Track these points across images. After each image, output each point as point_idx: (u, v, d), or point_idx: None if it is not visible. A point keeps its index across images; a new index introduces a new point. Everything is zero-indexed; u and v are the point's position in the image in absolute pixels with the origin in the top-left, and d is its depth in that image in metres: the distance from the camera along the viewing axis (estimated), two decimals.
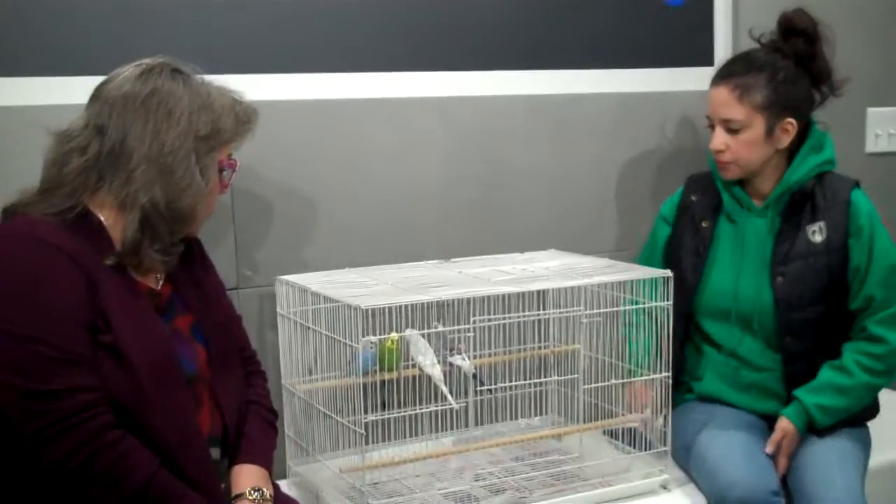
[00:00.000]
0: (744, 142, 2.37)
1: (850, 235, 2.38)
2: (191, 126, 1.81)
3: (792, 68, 2.40)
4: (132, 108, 1.80)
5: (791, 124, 2.38)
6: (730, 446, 2.31)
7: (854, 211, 2.38)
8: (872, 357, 2.37)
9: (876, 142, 3.25)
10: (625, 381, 2.34)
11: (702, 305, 2.46)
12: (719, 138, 2.40)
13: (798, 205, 2.41)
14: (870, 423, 2.48)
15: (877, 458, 2.42)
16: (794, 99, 2.39)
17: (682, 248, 2.49)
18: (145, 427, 1.75)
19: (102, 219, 1.81)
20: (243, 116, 1.92)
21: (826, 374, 2.37)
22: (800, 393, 2.36)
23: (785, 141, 2.40)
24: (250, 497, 1.88)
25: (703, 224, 2.47)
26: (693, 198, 2.50)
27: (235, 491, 1.90)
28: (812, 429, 2.36)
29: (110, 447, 1.70)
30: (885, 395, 2.50)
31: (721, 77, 2.42)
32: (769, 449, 2.30)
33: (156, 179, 1.79)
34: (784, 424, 2.33)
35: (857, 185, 2.43)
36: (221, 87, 1.90)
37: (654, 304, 2.29)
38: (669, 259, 2.51)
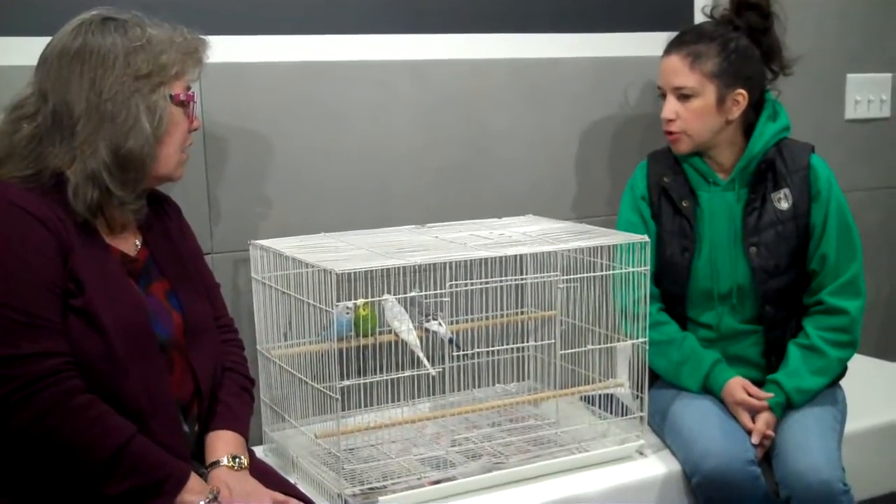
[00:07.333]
0: (694, 110, 2.38)
1: (811, 199, 2.40)
2: (128, 68, 1.78)
3: (744, 41, 2.41)
4: (66, 64, 1.78)
5: (742, 95, 2.39)
6: (705, 415, 2.31)
7: (814, 176, 2.41)
8: (837, 330, 2.38)
9: (855, 108, 3.25)
10: (601, 346, 2.33)
11: (689, 288, 2.44)
12: (669, 106, 2.40)
13: (762, 174, 2.41)
14: (847, 390, 2.48)
15: (853, 424, 2.43)
16: (745, 70, 2.40)
17: (664, 230, 2.46)
18: (116, 392, 1.74)
19: (71, 181, 1.78)
20: (188, 47, 1.87)
21: (797, 355, 2.38)
22: (780, 378, 2.35)
23: (735, 113, 2.40)
24: (228, 465, 1.87)
25: (684, 204, 2.45)
26: (666, 179, 2.47)
27: (211, 458, 1.88)
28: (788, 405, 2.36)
29: (78, 412, 1.68)
30: (861, 361, 2.50)
31: (672, 46, 2.43)
32: (755, 439, 2.27)
33: (97, 129, 1.76)
34: (765, 415, 2.31)
35: (812, 149, 2.45)
36: (162, 25, 1.86)
37: (631, 269, 2.27)
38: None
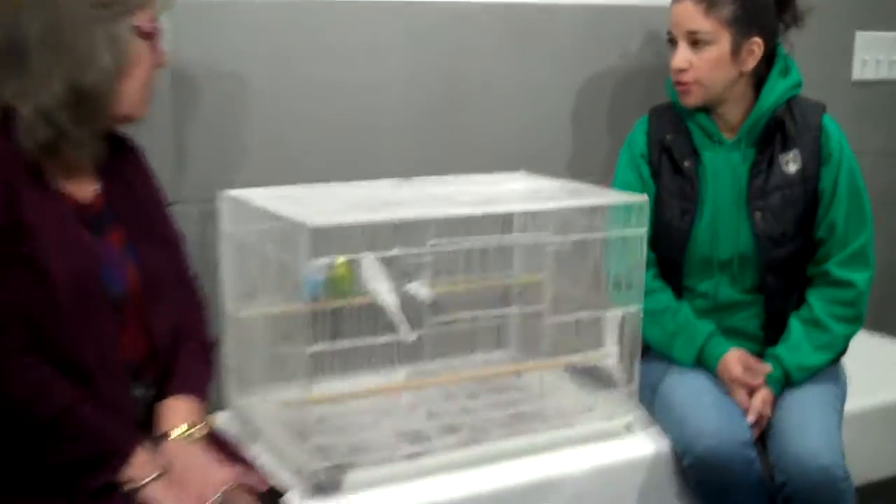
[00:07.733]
0: (708, 59, 2.27)
1: (822, 163, 2.31)
2: None
3: None
4: None
5: (758, 45, 2.28)
6: (698, 391, 2.21)
7: (825, 137, 2.32)
8: (844, 304, 2.30)
9: (863, 69, 3.14)
10: (592, 314, 2.21)
11: (687, 254, 2.34)
12: (682, 55, 2.29)
13: (771, 133, 2.32)
14: (848, 369, 2.40)
15: (853, 404, 2.34)
16: (761, 18, 2.30)
17: (664, 191, 2.35)
18: (60, 348, 1.63)
19: (23, 117, 1.66)
20: None
21: (799, 328, 2.29)
22: (780, 353, 2.26)
23: (750, 63, 2.29)
24: (181, 435, 1.73)
25: (686, 164, 2.34)
26: (668, 136, 2.37)
27: (163, 427, 1.74)
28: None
29: (17, 371, 1.60)
30: (863, 339, 2.43)
31: None
32: (751, 418, 2.17)
33: (52, 62, 1.65)
34: (763, 393, 2.21)
35: (824, 109, 2.36)
36: None
37: (627, 231, 2.16)
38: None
